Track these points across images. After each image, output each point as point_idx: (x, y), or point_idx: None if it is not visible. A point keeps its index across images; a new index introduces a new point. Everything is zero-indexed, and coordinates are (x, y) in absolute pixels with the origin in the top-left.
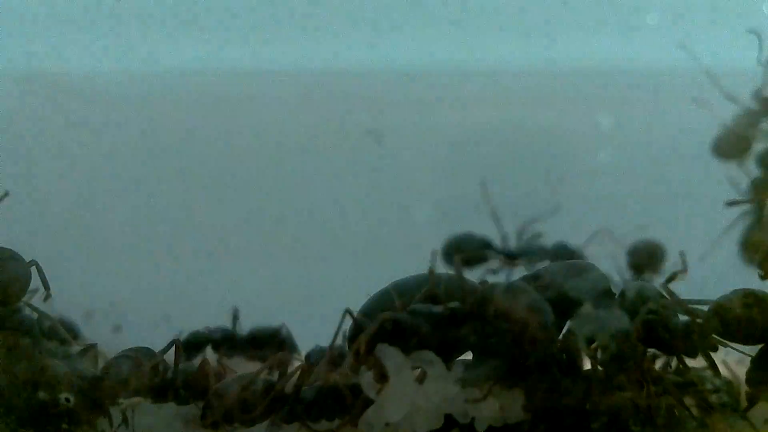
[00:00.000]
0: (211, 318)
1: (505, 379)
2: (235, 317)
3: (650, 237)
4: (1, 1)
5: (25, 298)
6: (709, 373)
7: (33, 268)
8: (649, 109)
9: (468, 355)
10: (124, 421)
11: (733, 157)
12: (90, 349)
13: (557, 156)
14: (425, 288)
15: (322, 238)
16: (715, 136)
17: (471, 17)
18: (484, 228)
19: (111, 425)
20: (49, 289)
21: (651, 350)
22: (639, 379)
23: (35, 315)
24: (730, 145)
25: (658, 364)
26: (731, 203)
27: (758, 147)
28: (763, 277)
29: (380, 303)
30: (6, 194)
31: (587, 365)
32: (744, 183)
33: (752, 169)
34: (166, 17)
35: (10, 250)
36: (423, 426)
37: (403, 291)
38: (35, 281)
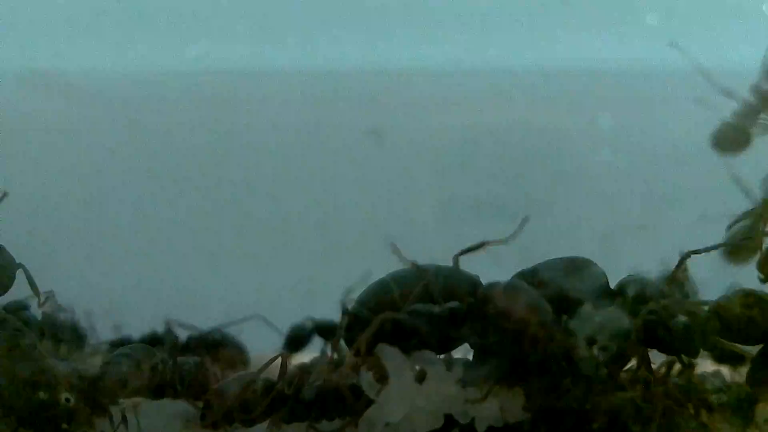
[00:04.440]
0: (211, 318)
1: (505, 379)
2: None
3: None
4: (1, 1)
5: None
6: (709, 373)
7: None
8: (649, 109)
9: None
10: (124, 420)
11: (733, 151)
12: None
13: (557, 156)
14: (423, 280)
15: (321, 238)
16: (715, 129)
17: (471, 17)
18: (483, 227)
19: (111, 425)
20: (39, 293)
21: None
22: (641, 379)
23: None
24: (730, 139)
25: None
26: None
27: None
28: (763, 281)
29: (378, 293)
30: (5, 194)
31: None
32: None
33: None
34: (166, 17)
35: None
36: (423, 426)
37: (401, 282)
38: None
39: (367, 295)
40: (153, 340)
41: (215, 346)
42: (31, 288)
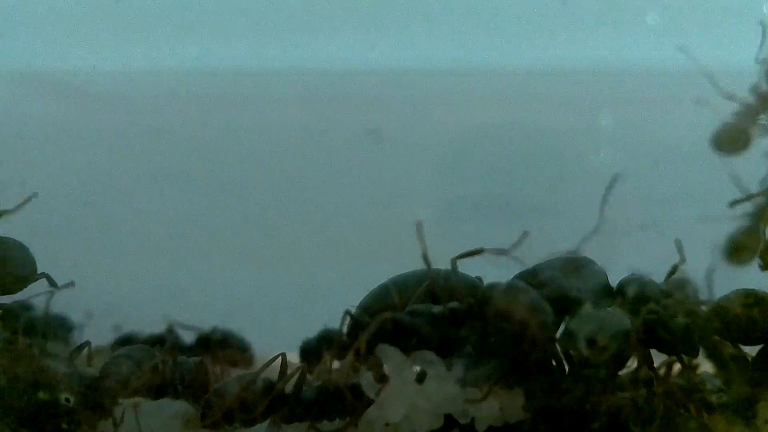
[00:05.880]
0: (211, 318)
1: (505, 379)
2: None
3: None
4: (1, 1)
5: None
6: (709, 373)
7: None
8: (649, 109)
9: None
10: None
11: (733, 152)
12: (84, 347)
13: (557, 156)
14: (424, 284)
15: (321, 237)
16: (715, 130)
17: (471, 17)
18: (483, 227)
19: (115, 424)
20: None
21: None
22: (642, 379)
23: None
24: (730, 140)
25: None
26: (735, 203)
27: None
28: (763, 268)
29: (379, 298)
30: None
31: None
32: (743, 179)
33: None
34: (166, 17)
35: (15, 240)
36: (423, 426)
37: (402, 286)
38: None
39: (369, 299)
40: (156, 341)
41: (221, 346)
42: (50, 284)
